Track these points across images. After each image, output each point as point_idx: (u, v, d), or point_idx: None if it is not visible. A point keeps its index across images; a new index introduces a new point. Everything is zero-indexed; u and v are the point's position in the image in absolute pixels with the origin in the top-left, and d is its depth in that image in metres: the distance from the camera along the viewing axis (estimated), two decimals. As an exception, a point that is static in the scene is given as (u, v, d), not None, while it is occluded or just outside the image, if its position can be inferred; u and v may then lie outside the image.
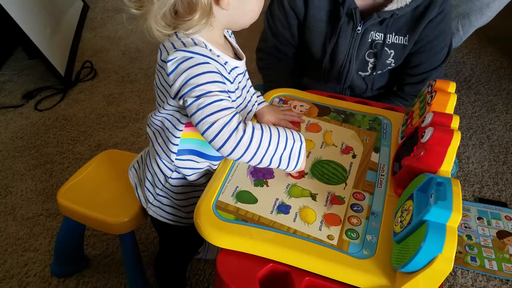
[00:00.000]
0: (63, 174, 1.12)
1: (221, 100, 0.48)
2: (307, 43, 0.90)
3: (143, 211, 0.70)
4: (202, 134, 0.48)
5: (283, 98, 0.72)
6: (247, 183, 0.54)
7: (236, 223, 0.48)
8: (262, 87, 1.00)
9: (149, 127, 0.60)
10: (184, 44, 0.50)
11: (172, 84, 0.50)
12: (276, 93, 0.73)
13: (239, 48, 0.59)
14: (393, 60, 0.86)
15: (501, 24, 1.63)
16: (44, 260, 0.91)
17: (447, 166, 0.47)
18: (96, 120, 1.32)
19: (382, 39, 0.82)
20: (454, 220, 0.39)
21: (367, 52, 0.85)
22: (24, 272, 0.90)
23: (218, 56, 0.53)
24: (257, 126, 0.49)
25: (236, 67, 0.56)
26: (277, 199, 0.52)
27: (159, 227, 0.70)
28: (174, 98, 0.51)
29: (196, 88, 0.48)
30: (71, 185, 0.75)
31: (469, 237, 0.98)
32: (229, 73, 0.54)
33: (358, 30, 0.81)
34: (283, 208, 0.51)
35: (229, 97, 0.51)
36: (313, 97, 0.73)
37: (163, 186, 0.62)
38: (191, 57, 0.48)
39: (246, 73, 0.61)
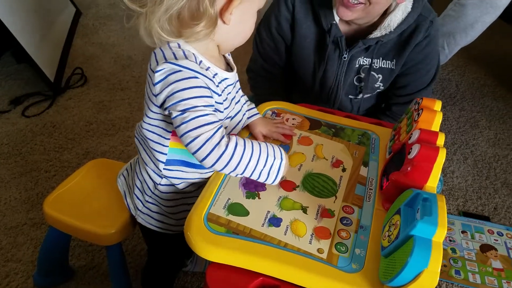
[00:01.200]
0: (49, 183, 1.10)
1: (206, 115, 0.49)
2: (295, 67, 0.91)
3: (131, 222, 0.69)
4: (186, 146, 0.50)
5: (275, 111, 0.73)
6: (239, 195, 0.54)
7: (227, 236, 0.48)
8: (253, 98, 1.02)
9: (137, 136, 0.61)
10: (174, 56, 0.51)
11: (158, 94, 0.51)
12: (269, 106, 0.75)
13: (231, 60, 0.60)
14: (381, 84, 0.88)
15: (485, 44, 1.69)
16: (27, 271, 0.89)
17: (433, 182, 0.48)
18: (85, 128, 1.31)
19: (369, 64, 0.84)
20: (440, 235, 0.41)
21: (356, 77, 0.87)
22: (6, 283, 0.87)
23: (208, 68, 0.53)
24: (241, 142, 0.51)
25: (226, 78, 0.57)
26: (268, 211, 0.52)
27: (148, 235, 0.70)
28: (160, 107, 0.52)
29: (181, 102, 0.49)
30: (58, 194, 0.74)
31: (453, 250, 1.00)
32: (217, 85, 0.54)
33: (344, 57, 0.83)
34: (274, 221, 0.51)
35: (215, 111, 0.52)
36: (305, 110, 0.74)
37: (152, 193, 0.62)
38: (180, 70, 0.49)
39: (237, 84, 0.61)
